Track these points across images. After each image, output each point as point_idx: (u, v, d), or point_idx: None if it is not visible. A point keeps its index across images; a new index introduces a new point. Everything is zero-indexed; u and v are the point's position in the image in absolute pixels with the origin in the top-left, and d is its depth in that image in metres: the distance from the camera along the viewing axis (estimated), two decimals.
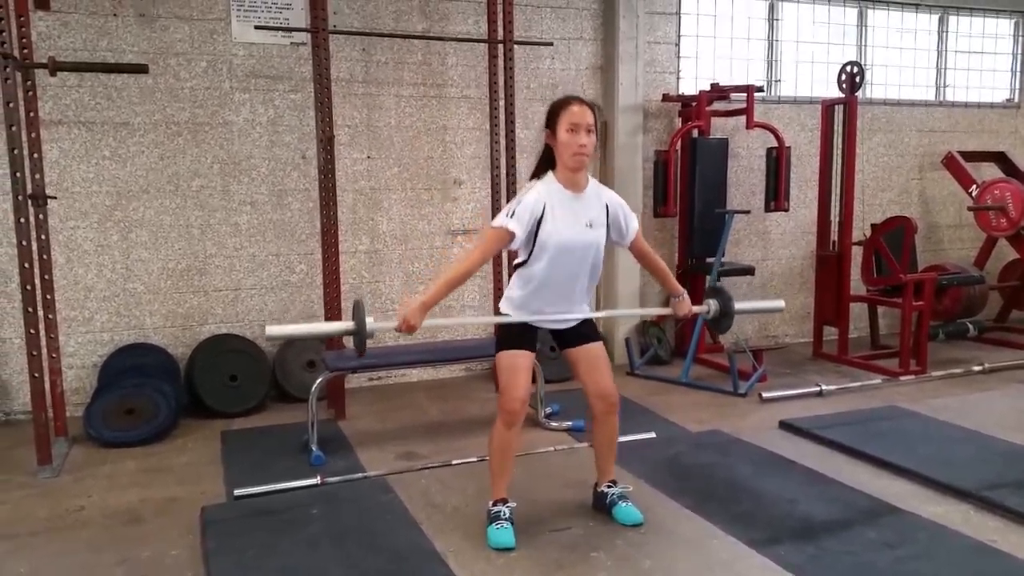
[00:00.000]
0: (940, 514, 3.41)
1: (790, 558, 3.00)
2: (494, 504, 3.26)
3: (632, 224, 3.26)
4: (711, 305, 3.55)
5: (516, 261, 3.21)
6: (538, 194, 3.07)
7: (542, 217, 3.04)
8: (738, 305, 3.53)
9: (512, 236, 3.02)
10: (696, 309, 3.51)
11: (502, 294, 5.37)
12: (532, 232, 3.05)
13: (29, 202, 4.02)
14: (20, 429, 4.79)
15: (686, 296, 3.49)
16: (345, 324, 3.05)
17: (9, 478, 4.01)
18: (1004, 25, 7.76)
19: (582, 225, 3.09)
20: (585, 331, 3.32)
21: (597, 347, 3.31)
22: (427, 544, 3.14)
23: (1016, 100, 7.83)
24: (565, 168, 3.08)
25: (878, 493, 3.62)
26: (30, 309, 3.96)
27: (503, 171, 5.43)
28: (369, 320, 2.97)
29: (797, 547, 3.10)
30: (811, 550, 3.08)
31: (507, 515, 3.21)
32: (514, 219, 3.02)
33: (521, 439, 3.36)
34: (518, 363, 3.17)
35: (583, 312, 3.27)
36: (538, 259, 3.09)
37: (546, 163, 3.17)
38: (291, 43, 5.35)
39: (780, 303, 3.85)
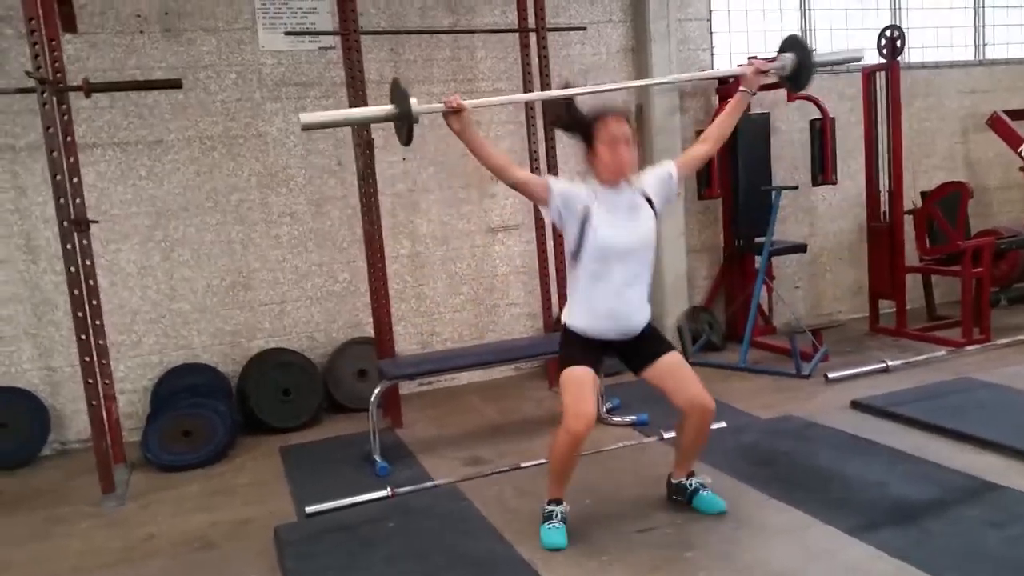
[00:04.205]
0: None
1: (894, 543, 2.87)
2: (548, 503, 3.16)
3: (668, 169, 3.16)
4: (787, 59, 3.24)
5: (568, 262, 3.13)
6: (586, 189, 3.03)
7: (588, 214, 2.97)
8: (817, 57, 3.24)
9: (547, 191, 2.99)
10: (770, 66, 3.28)
11: (548, 290, 5.36)
12: (576, 227, 2.99)
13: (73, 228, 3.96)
14: (77, 458, 4.75)
15: (746, 66, 3.32)
16: (387, 108, 2.81)
17: (74, 509, 3.96)
18: None
19: (625, 217, 3.02)
20: (654, 344, 3.18)
21: (672, 357, 3.16)
22: (512, 552, 3.03)
23: None
24: (605, 183, 3.03)
25: (969, 469, 3.48)
26: (83, 336, 3.90)
27: (543, 163, 5.31)
28: (413, 101, 2.75)
29: (899, 531, 2.97)
30: (914, 534, 2.95)
31: (560, 515, 3.12)
32: (557, 183, 3.02)
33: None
34: (582, 380, 3.04)
35: (645, 319, 3.14)
36: (587, 264, 3.02)
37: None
38: (319, 48, 5.25)
39: (861, 53, 3.54)
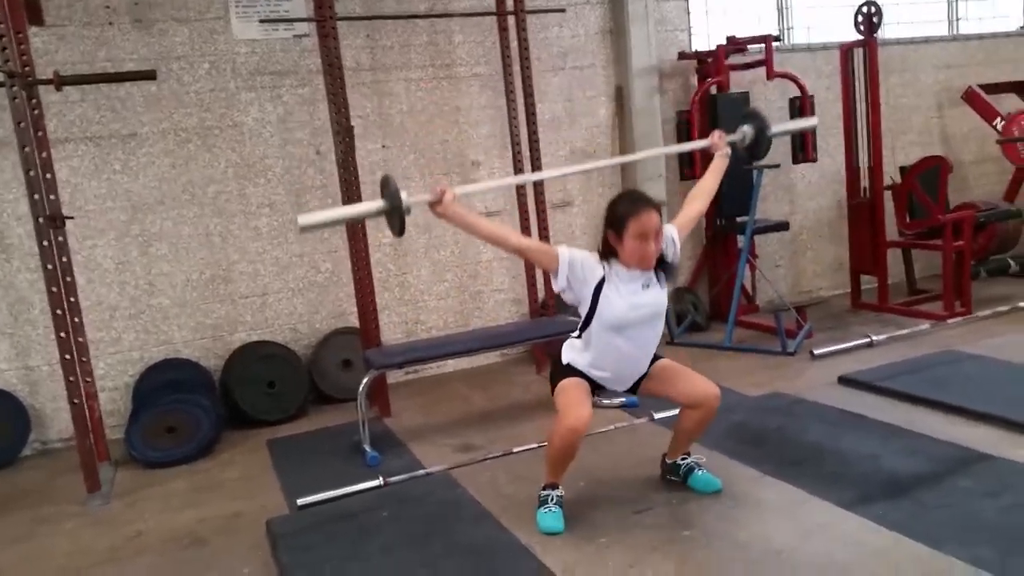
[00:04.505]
0: None
1: (890, 516, 2.88)
2: (544, 488, 3.15)
3: (672, 235, 3.11)
4: (745, 131, 3.41)
5: (579, 325, 3.10)
6: (601, 265, 2.99)
7: (600, 289, 2.95)
8: (774, 127, 3.44)
9: (556, 260, 2.95)
10: (730, 138, 3.41)
11: (532, 277, 5.33)
12: (591, 300, 2.97)
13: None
14: (59, 458, 4.67)
15: (717, 136, 3.40)
16: (378, 203, 2.84)
17: (59, 508, 3.88)
18: None
19: (640, 289, 2.98)
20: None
21: (663, 362, 3.18)
22: (510, 538, 3.01)
23: None
24: (628, 267, 2.98)
25: (961, 440, 3.50)
26: (62, 334, 3.82)
27: (525, 147, 5.27)
28: (403, 194, 2.77)
29: (893, 504, 2.98)
30: (909, 506, 2.96)
31: (555, 499, 3.11)
32: (568, 255, 2.96)
33: None
34: (580, 387, 3.05)
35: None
36: (596, 331, 3.00)
37: (605, 252, 3.02)
38: (293, 36, 5.16)
39: (814, 120, 3.71)
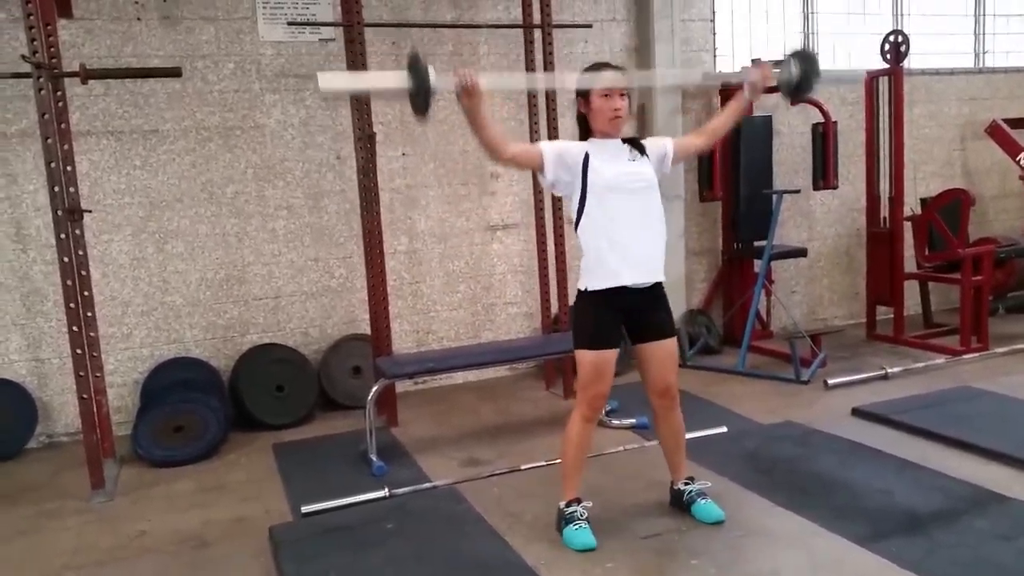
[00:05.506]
0: None
1: (904, 554, 2.83)
2: (567, 505, 3.11)
3: (661, 140, 3.21)
4: (792, 66, 3.15)
5: (575, 219, 3.09)
6: (579, 145, 3.05)
7: (587, 161, 2.98)
8: (823, 71, 3.19)
9: (540, 155, 3.00)
10: (775, 72, 3.26)
11: (548, 287, 5.30)
12: (580, 176, 2.99)
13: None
14: (65, 452, 4.66)
15: (751, 70, 3.29)
16: (405, 78, 2.72)
17: (63, 504, 3.86)
18: None
19: (625, 160, 3.04)
20: (663, 323, 3.16)
21: (671, 344, 3.17)
22: (515, 557, 2.97)
23: None
24: (601, 133, 3.04)
25: (975, 479, 3.44)
26: (75, 328, 3.81)
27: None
28: (431, 73, 2.70)
29: (908, 542, 2.93)
30: (924, 544, 2.91)
31: (583, 515, 3.08)
32: (549, 145, 3.06)
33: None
34: (604, 356, 3.04)
35: (660, 279, 3.11)
36: (593, 205, 3.01)
37: (583, 133, 3.11)
38: (319, 40, 5.17)
39: (862, 71, 3.54)
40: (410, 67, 2.72)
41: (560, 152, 3.01)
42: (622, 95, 2.99)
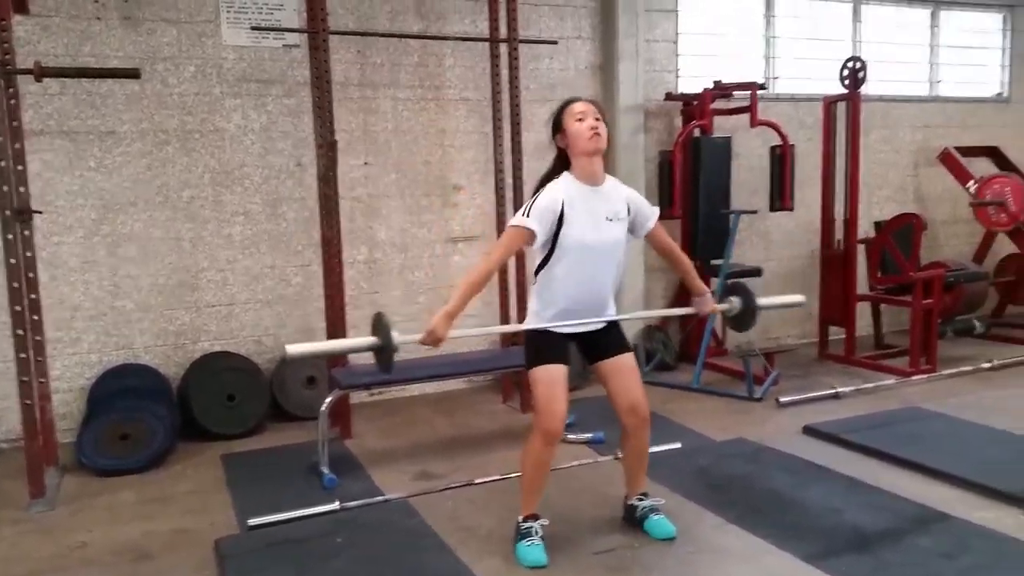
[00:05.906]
0: (991, 520, 3.29)
1: (852, 572, 2.87)
2: (524, 520, 3.10)
3: (650, 210, 3.19)
4: (734, 302, 3.43)
5: (536, 264, 3.07)
6: (555, 192, 2.97)
7: (562, 215, 2.93)
8: (761, 301, 3.42)
9: (532, 234, 2.94)
10: (719, 307, 3.43)
11: (507, 302, 5.29)
12: (552, 231, 2.94)
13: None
14: (5, 459, 4.52)
15: (709, 295, 3.40)
16: (369, 339, 2.88)
17: (0, 513, 3.73)
18: (993, 19, 7.75)
19: (603, 219, 3.00)
20: (616, 341, 3.18)
21: (629, 359, 3.19)
22: (466, 572, 2.94)
23: (1006, 94, 7.82)
24: (583, 156, 2.99)
25: (922, 499, 3.50)
26: (20, 332, 3.70)
27: (508, 174, 5.24)
28: (395, 334, 2.79)
29: (856, 560, 2.97)
30: (871, 562, 2.95)
31: (539, 532, 3.07)
32: (531, 218, 2.93)
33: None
34: (555, 377, 3.02)
35: (611, 314, 3.14)
36: (559, 260, 2.99)
37: (560, 166, 3.08)
38: (283, 45, 5.12)
39: (801, 298, 3.73)
40: (374, 328, 2.88)
41: (541, 212, 2.92)
42: (597, 119, 2.99)
